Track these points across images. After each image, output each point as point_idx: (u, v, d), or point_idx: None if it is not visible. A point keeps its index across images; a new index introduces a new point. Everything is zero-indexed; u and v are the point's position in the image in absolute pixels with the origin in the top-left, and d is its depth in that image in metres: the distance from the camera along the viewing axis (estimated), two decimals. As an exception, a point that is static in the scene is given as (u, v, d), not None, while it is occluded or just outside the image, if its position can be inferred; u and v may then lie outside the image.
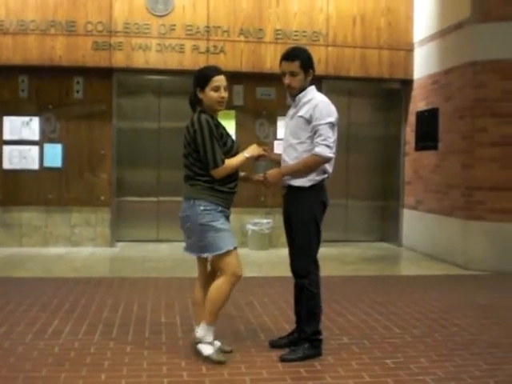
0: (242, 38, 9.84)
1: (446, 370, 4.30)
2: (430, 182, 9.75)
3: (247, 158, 4.45)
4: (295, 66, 4.48)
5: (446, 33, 9.31)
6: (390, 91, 10.99)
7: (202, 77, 4.38)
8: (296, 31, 9.91)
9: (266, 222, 10.00)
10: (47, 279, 7.36)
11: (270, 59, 9.83)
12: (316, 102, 4.45)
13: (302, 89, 4.54)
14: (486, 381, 4.10)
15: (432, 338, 5.09)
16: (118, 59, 9.58)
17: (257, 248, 9.86)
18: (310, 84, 4.59)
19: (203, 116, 4.27)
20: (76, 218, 9.93)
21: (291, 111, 4.66)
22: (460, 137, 8.84)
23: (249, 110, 10.15)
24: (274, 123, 10.26)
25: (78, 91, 9.84)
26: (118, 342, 4.81)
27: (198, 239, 4.31)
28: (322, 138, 4.35)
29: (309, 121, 4.42)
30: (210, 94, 4.34)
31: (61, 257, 9.02)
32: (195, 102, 4.44)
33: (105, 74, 9.77)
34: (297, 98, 4.55)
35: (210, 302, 4.30)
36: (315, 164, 4.39)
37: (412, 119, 10.47)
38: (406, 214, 10.66)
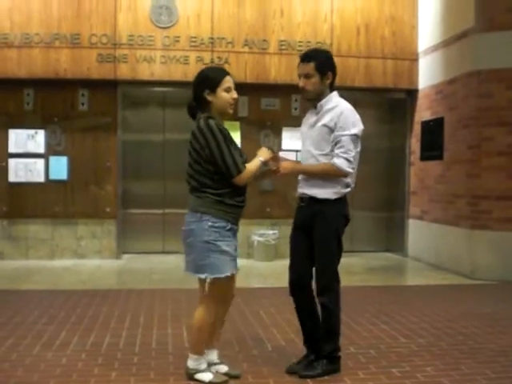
0: (246, 49, 9.88)
1: (452, 379, 4.29)
2: (436, 191, 9.75)
3: (262, 162, 4.13)
4: (310, 67, 4.23)
5: (450, 42, 9.33)
6: (394, 101, 11.01)
7: (212, 78, 4.04)
8: (300, 41, 9.94)
9: (271, 233, 10.01)
10: (54, 291, 7.38)
11: (275, 70, 9.88)
12: (341, 110, 4.20)
13: (320, 93, 4.29)
14: (493, 389, 4.10)
15: (438, 347, 5.09)
16: (123, 71, 9.63)
17: (262, 259, 9.87)
18: (332, 90, 4.34)
19: (212, 121, 3.93)
20: (82, 230, 9.96)
21: (311, 119, 4.38)
22: (465, 146, 8.84)
23: (253, 121, 10.17)
24: (279, 134, 10.29)
25: (83, 104, 9.89)
26: (124, 353, 4.82)
27: (199, 257, 3.96)
28: (343, 150, 4.13)
29: (332, 129, 4.18)
30: (223, 95, 4.03)
31: (67, 269, 9.04)
32: (199, 107, 4.07)
33: (110, 86, 9.82)
34: (318, 104, 4.30)
35: (196, 332, 4.07)
36: (329, 173, 4.20)
37: (417, 129, 10.48)
38: (412, 224, 10.65)
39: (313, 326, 4.46)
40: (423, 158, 10.24)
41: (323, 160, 4.23)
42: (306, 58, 4.29)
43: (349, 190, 4.32)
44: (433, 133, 9.85)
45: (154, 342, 5.15)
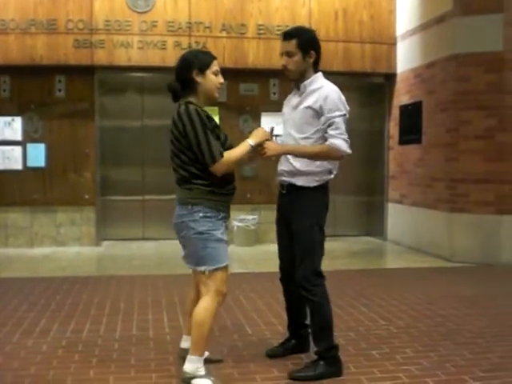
0: (224, 33, 9.83)
1: (430, 360, 4.34)
2: (414, 175, 9.81)
3: (252, 147, 3.88)
4: (291, 45, 4.01)
5: (428, 26, 9.36)
6: (373, 85, 11.03)
7: (203, 59, 3.87)
8: (279, 26, 9.88)
9: (251, 218, 10.03)
10: (34, 279, 7.33)
11: (253, 54, 9.85)
12: (327, 92, 3.99)
13: (303, 73, 4.07)
14: (471, 370, 4.15)
15: (417, 329, 5.14)
16: (100, 57, 9.54)
17: (243, 244, 9.88)
18: (317, 70, 4.13)
19: (192, 107, 3.74)
20: (61, 217, 9.90)
21: (294, 100, 4.17)
22: (444, 130, 8.89)
23: (232, 106, 10.14)
24: (257, 119, 10.27)
25: (60, 90, 9.80)
26: (105, 340, 4.82)
27: (196, 249, 3.78)
28: (339, 131, 3.90)
29: (318, 112, 3.96)
30: (212, 78, 3.85)
31: (47, 257, 8.99)
32: (184, 89, 3.86)
33: (87, 72, 9.72)
34: (302, 85, 4.08)
35: (198, 328, 3.75)
36: (327, 155, 3.95)
37: (396, 113, 10.52)
38: (391, 208, 10.71)
39: (296, 311, 4.40)
40: (402, 142, 10.29)
41: (304, 144, 4.02)
42: (288, 35, 4.07)
43: (331, 176, 4.13)
44: (411, 117, 9.89)
45: (135, 328, 5.15)
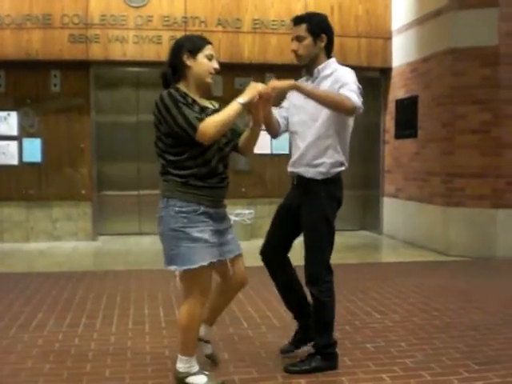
0: (219, 28, 9.82)
1: (425, 353, 4.37)
2: (410, 169, 9.82)
3: (242, 106, 3.50)
4: (301, 29, 3.90)
5: (424, 20, 9.36)
6: (368, 80, 10.98)
7: (195, 41, 3.65)
8: (274, 20, 9.90)
9: (247, 212, 10.03)
10: (30, 274, 7.34)
11: (248, 49, 9.85)
12: (341, 72, 3.86)
13: (314, 58, 3.94)
14: (465, 362, 4.17)
15: (412, 323, 5.17)
16: (95, 52, 9.53)
17: (239, 239, 9.77)
18: (329, 56, 4.00)
19: (165, 92, 3.51)
20: (57, 212, 9.90)
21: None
22: (439, 124, 8.91)
23: (228, 100, 10.00)
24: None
25: (55, 85, 9.78)
26: (101, 333, 4.83)
27: (168, 247, 3.54)
28: (352, 89, 3.71)
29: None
30: (204, 62, 3.61)
31: (43, 252, 8.99)
32: (175, 74, 3.64)
33: (82, 66, 9.71)
34: (315, 70, 3.94)
35: (181, 331, 3.61)
36: (338, 103, 3.68)
37: (391, 107, 10.53)
38: (387, 202, 10.73)
39: (295, 300, 4.24)
40: (398, 136, 10.30)
41: (324, 131, 3.89)
42: (298, 19, 3.97)
43: (342, 168, 4.00)
44: (407, 111, 9.90)
45: (131, 322, 5.16)
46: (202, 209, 3.54)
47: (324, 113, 3.87)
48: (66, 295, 6.14)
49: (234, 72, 10.10)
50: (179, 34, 9.54)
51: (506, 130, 8.39)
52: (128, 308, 5.65)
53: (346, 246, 9.56)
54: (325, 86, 3.86)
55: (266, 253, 4.25)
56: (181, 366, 3.66)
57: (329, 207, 3.96)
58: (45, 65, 9.60)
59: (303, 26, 3.91)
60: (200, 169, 3.53)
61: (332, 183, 3.96)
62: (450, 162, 8.68)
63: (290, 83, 3.67)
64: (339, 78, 3.81)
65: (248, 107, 3.55)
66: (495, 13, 8.33)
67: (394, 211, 10.46)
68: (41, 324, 5.09)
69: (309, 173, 3.94)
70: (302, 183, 4.00)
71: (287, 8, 10.00)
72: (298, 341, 4.26)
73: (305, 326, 4.21)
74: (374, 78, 10.83)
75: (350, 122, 4.07)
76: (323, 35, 3.94)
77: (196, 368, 3.67)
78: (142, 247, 9.36)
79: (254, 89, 3.55)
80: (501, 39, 8.33)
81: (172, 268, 3.54)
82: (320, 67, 3.94)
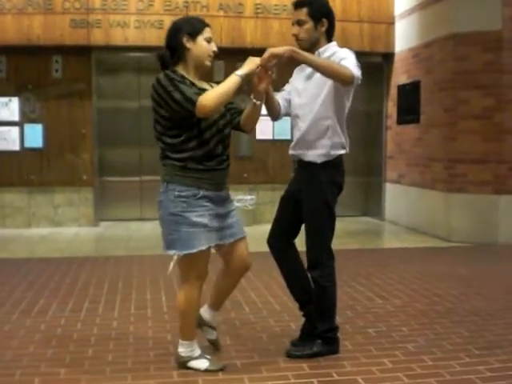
0: (221, 12, 9.76)
1: (427, 338, 4.38)
2: (413, 155, 9.80)
3: (241, 78, 3.51)
4: (302, 13, 3.87)
5: (426, 5, 9.30)
6: (371, 65, 10.95)
7: (194, 24, 3.64)
8: (276, 5, 9.84)
9: (249, 198, 10.03)
10: (31, 259, 7.36)
11: (250, 34, 9.79)
12: (341, 52, 3.84)
13: (315, 42, 3.91)
14: (467, 347, 4.18)
15: (413, 308, 5.17)
16: (97, 37, 9.49)
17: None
18: (330, 40, 3.99)
19: (161, 74, 3.51)
20: (59, 198, 9.90)
21: (307, 70, 3.92)
22: (442, 110, 8.88)
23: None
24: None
25: (56, 70, 9.75)
26: (103, 319, 4.84)
27: (168, 232, 3.57)
28: (353, 63, 3.70)
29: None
30: (203, 44, 3.61)
31: (44, 237, 9.01)
32: (174, 56, 3.61)
33: (83, 52, 9.67)
34: (316, 52, 3.88)
35: (181, 316, 3.66)
36: (337, 72, 3.62)
37: (394, 93, 10.49)
38: (389, 188, 10.72)
39: (300, 287, 4.18)
40: (400, 121, 10.27)
41: (323, 112, 3.87)
42: (299, 3, 3.92)
43: (343, 151, 3.95)
44: (409, 96, 9.86)
45: (133, 307, 5.18)
46: (202, 193, 3.53)
47: (324, 93, 3.86)
48: (68, 281, 6.15)
49: (236, 57, 9.92)
50: (181, 19, 9.54)
51: (509, 116, 8.36)
52: (130, 293, 5.66)
53: (348, 232, 9.56)
54: None
55: (272, 240, 4.24)
56: (182, 350, 3.72)
57: (329, 192, 3.93)
58: (46, 50, 9.56)
59: (304, 10, 3.89)
60: (197, 151, 3.51)
61: (332, 167, 3.93)
62: (452, 147, 8.65)
63: (288, 48, 3.60)
64: (339, 56, 3.79)
65: (248, 79, 3.54)
66: (498, -3, 8.30)
67: (396, 197, 10.45)
68: (43, 309, 5.10)
69: (309, 156, 3.93)
70: (303, 167, 3.99)
71: (289, -8, 9.94)
72: (306, 335, 4.14)
73: (310, 315, 4.16)
74: (376, 64, 10.78)
75: (347, 102, 4.02)
76: (324, 19, 3.92)
77: (198, 352, 3.73)
78: (143, 233, 9.37)
79: (252, 62, 3.55)
80: (504, 24, 8.28)
81: (171, 252, 3.56)
82: (321, 50, 3.92)
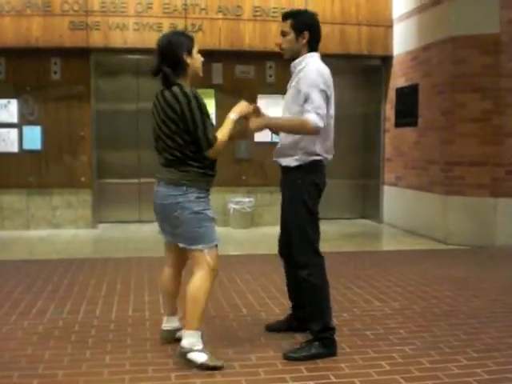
0: (220, 15, 9.77)
1: (424, 340, 4.39)
2: (410, 158, 9.82)
3: (235, 121, 3.94)
4: (287, 25, 4.13)
5: (424, 8, 9.32)
6: (369, 68, 11.01)
7: (188, 40, 3.94)
8: (275, 8, 9.83)
9: (247, 200, 10.03)
10: (30, 261, 7.36)
11: (249, 37, 9.80)
12: (307, 69, 4.03)
13: (296, 53, 4.14)
14: (464, 350, 4.19)
15: (411, 310, 5.19)
16: (95, 39, 9.49)
17: (239, 227, 9.90)
18: (312, 50, 4.18)
19: (189, 88, 3.82)
20: (57, 200, 9.90)
21: (290, 81, 4.23)
22: (439, 113, 8.89)
23: (228, 88, 10.08)
24: (254, 101, 10.15)
25: (55, 72, 9.76)
26: (101, 320, 4.85)
27: (192, 229, 3.86)
28: (314, 105, 3.86)
29: (300, 91, 3.99)
30: (197, 57, 3.96)
31: (43, 239, 9.01)
32: (177, 72, 3.87)
33: (82, 54, 9.67)
34: (292, 65, 4.18)
35: (194, 304, 3.85)
36: (300, 129, 3.93)
37: (392, 96, 10.51)
38: (387, 190, 10.73)
39: (295, 290, 4.40)
40: (398, 124, 10.29)
41: None
42: (285, 15, 4.21)
43: (318, 158, 4.10)
44: (407, 99, 9.88)
45: (131, 309, 5.18)
46: (209, 194, 4.00)
47: (298, 105, 4.02)
48: (66, 282, 6.15)
49: (235, 60, 10.09)
50: (180, 22, 9.61)
51: (507, 119, 8.38)
52: (128, 295, 5.67)
53: (346, 235, 9.59)
54: (295, 81, 4.09)
55: (281, 249, 4.46)
56: (186, 341, 3.84)
57: (306, 192, 4.08)
58: (45, 52, 9.56)
59: (288, 22, 4.14)
60: (212, 160, 3.93)
61: (309, 170, 4.10)
62: (449, 150, 8.67)
63: (263, 123, 4.01)
64: (302, 82, 4.00)
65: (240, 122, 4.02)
66: (496, 1, 8.30)
67: (394, 200, 10.46)
68: (41, 311, 5.11)
69: (286, 161, 4.14)
70: (284, 172, 4.22)
71: (288, -5, 9.97)
72: (285, 325, 4.50)
73: (298, 316, 4.42)
74: (374, 66, 10.81)
75: (329, 107, 4.08)
76: (306, 32, 4.13)
77: (200, 346, 3.85)
78: (141, 235, 9.37)
79: (244, 107, 4.02)
80: (502, 27, 8.31)
81: (199, 247, 3.88)
82: (296, 62, 4.16)
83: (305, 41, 4.13)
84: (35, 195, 9.80)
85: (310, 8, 9.87)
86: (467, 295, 5.74)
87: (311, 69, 4.03)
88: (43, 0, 9.31)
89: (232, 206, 9.96)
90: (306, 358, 3.99)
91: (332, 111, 4.15)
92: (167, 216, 3.97)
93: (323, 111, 3.90)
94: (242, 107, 4.01)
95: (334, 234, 9.54)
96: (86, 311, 5.11)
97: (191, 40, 3.97)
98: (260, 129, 4.07)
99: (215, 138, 3.82)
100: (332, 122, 4.19)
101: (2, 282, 6.12)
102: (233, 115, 3.95)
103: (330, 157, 4.23)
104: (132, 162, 10.47)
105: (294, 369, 3.83)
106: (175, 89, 3.81)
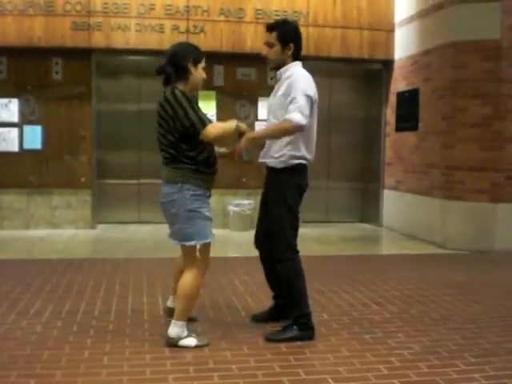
0: (222, 17, 9.79)
1: (422, 345, 4.39)
2: (410, 162, 9.83)
3: (236, 127, 4.19)
4: (272, 36, 4.39)
5: (426, 13, 9.34)
6: (370, 72, 11.02)
7: (199, 53, 4.25)
8: (276, 10, 9.87)
9: (247, 203, 10.03)
10: (29, 261, 7.36)
11: (251, 39, 9.81)
12: (294, 77, 4.30)
13: (281, 63, 4.42)
14: (462, 355, 4.19)
15: (409, 314, 5.19)
16: (97, 39, 9.50)
17: (238, 229, 9.90)
18: (296, 59, 4.45)
19: (177, 90, 4.09)
20: (57, 200, 9.90)
21: (275, 88, 4.54)
22: (440, 117, 8.91)
23: (229, 90, 10.11)
24: (254, 104, 10.25)
25: (56, 72, 9.77)
26: (100, 321, 4.85)
27: (185, 226, 4.09)
28: (297, 105, 4.13)
29: (288, 96, 4.25)
30: (201, 72, 4.25)
31: (42, 239, 9.01)
32: (178, 76, 4.16)
33: (84, 54, 9.68)
34: (278, 72, 4.46)
35: (184, 299, 4.16)
36: (284, 130, 4.19)
37: (392, 100, 10.52)
38: (387, 194, 10.74)
39: (277, 284, 4.68)
40: (398, 128, 10.30)
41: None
42: (270, 27, 4.44)
43: (301, 161, 4.39)
44: (408, 104, 9.89)
45: (129, 310, 5.18)
46: (207, 193, 4.21)
47: (282, 111, 4.28)
48: (65, 282, 6.15)
49: (236, 62, 10.09)
50: (181, 23, 9.63)
51: (507, 124, 8.40)
52: (127, 296, 5.66)
53: (345, 238, 9.59)
54: (283, 89, 4.34)
55: (256, 241, 4.76)
56: (173, 331, 4.17)
57: (289, 193, 4.39)
58: (47, 52, 9.57)
59: (274, 34, 4.39)
60: (207, 158, 4.16)
61: (293, 172, 4.39)
62: (449, 155, 8.68)
63: (249, 140, 4.20)
64: (291, 88, 4.26)
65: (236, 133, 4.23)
66: (497, 7, 8.32)
67: (393, 204, 10.47)
68: (40, 310, 5.10)
69: (271, 163, 4.43)
70: (269, 171, 4.52)
71: (290, -2, 9.99)
72: (268, 315, 4.83)
73: (279, 306, 4.77)
74: (375, 71, 10.82)
75: (313, 112, 4.37)
76: (291, 44, 4.40)
77: (185, 332, 4.21)
78: (141, 236, 9.37)
79: (243, 125, 4.25)
80: (503, 33, 8.33)
81: (192, 243, 4.12)
82: (282, 70, 4.44)
83: (290, 52, 4.40)
84: (35, 195, 9.81)
85: (312, 11, 10.01)
86: (466, 300, 5.74)
87: (299, 75, 4.33)
88: (45, 0, 9.32)
89: (232, 208, 9.97)
90: (285, 340, 4.35)
91: (315, 117, 4.45)
92: (167, 214, 4.20)
93: (306, 112, 4.16)
94: (243, 125, 4.25)
95: (334, 238, 9.54)
96: (85, 311, 5.11)
97: (202, 54, 4.25)
98: (249, 145, 4.24)
99: (210, 120, 4.11)
100: (315, 126, 4.48)
101: (1, 281, 6.12)
102: (236, 122, 4.22)
103: (312, 159, 4.51)
104: (132, 162, 10.48)
105: (292, 372, 3.83)
106: (167, 92, 4.12)
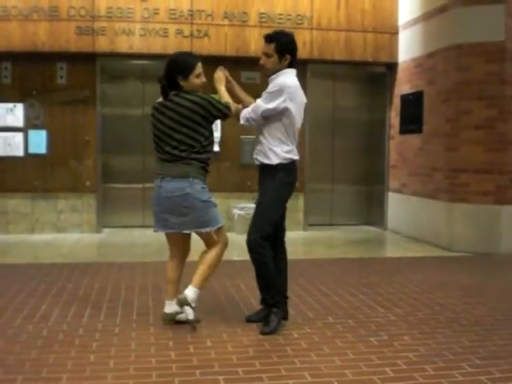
0: (226, 21, 9.81)
1: (428, 347, 4.38)
2: (415, 165, 9.82)
3: (225, 90, 4.82)
4: (270, 47, 4.64)
5: (430, 16, 9.34)
6: (374, 75, 11.02)
7: (186, 65, 4.56)
8: (280, 14, 9.89)
9: (252, 206, 10.01)
10: (34, 265, 7.37)
11: (255, 43, 9.79)
12: (277, 79, 4.65)
13: (277, 72, 4.68)
14: (468, 357, 4.19)
15: (415, 317, 5.18)
16: (102, 44, 9.53)
17: (243, 232, 9.76)
18: (291, 67, 4.73)
19: (191, 95, 4.55)
20: (62, 204, 9.92)
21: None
22: (444, 120, 8.90)
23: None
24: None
25: (61, 77, 9.80)
26: (106, 324, 4.86)
27: (200, 215, 4.57)
28: (258, 104, 4.65)
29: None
30: (194, 81, 4.57)
31: (47, 243, 9.02)
32: (172, 88, 4.58)
33: (88, 59, 9.71)
34: (269, 79, 4.73)
35: (209, 267, 4.69)
36: (237, 108, 4.75)
37: (397, 103, 10.52)
38: (391, 197, 10.73)
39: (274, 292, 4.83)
40: (403, 131, 10.29)
41: (266, 133, 4.68)
42: (268, 38, 4.68)
43: (292, 157, 4.68)
44: (412, 106, 9.89)
45: (135, 314, 5.19)
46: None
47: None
48: (70, 286, 6.16)
49: (240, 66, 10.07)
50: (185, 27, 9.65)
51: (511, 127, 8.38)
52: (132, 299, 5.67)
53: (350, 241, 9.58)
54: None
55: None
56: (190, 294, 4.58)
57: (280, 186, 4.68)
58: (51, 57, 9.61)
59: (272, 46, 4.65)
60: (208, 158, 4.67)
61: (283, 168, 4.66)
62: (454, 157, 8.67)
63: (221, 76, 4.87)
64: (271, 87, 4.64)
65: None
66: (502, 9, 8.32)
67: (398, 206, 10.46)
68: (45, 315, 5.11)
69: (264, 160, 4.70)
70: (261, 168, 4.79)
71: (294, 2, 9.99)
72: (262, 313, 4.90)
73: (265, 299, 4.88)
74: (379, 73, 10.82)
75: (285, 120, 4.65)
76: (288, 55, 4.67)
77: (194, 304, 4.62)
78: (146, 240, 9.37)
79: (220, 77, 4.86)
80: (507, 35, 8.32)
81: (208, 229, 4.63)
82: (273, 76, 4.71)
83: (286, 62, 4.68)
84: (40, 199, 9.83)
85: (316, 14, 10.02)
86: (471, 302, 5.73)
87: (278, 80, 4.63)
88: (50, 5, 9.36)
89: (236, 211, 9.97)
90: (277, 325, 4.66)
91: (300, 120, 4.75)
92: (175, 207, 4.58)
93: (255, 115, 4.63)
94: (219, 75, 4.83)
95: (339, 241, 9.53)
96: (90, 315, 5.12)
97: (191, 64, 4.57)
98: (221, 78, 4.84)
99: (227, 102, 4.68)
100: (295, 130, 4.75)
101: (7, 285, 6.14)
102: (220, 86, 4.81)
103: (297, 159, 4.80)
104: (137, 167, 10.48)
105: (297, 375, 3.82)
106: (182, 93, 4.56)
